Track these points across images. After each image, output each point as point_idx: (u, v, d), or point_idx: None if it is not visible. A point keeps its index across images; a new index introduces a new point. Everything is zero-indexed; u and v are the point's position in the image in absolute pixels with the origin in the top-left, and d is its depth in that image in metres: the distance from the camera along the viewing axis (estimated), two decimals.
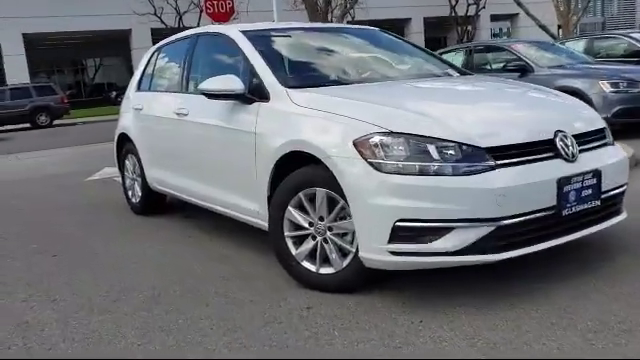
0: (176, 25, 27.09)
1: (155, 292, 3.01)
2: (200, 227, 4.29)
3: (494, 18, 38.25)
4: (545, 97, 3.17)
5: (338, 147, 2.57)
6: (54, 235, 4.37)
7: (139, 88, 4.86)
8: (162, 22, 26.85)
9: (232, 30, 3.65)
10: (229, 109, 3.33)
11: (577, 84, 6.92)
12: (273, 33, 3.73)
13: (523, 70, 7.62)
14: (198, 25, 27.18)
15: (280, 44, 3.61)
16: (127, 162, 4.97)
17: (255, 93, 3.18)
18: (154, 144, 4.38)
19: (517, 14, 37.19)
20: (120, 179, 5.36)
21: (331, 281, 2.76)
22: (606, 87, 6.78)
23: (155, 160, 4.41)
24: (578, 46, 9.64)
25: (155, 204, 4.80)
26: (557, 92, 3.31)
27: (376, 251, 2.47)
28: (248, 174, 3.18)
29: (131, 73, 36.45)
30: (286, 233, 2.88)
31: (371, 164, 2.45)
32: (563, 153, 2.58)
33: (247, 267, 3.28)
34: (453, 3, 30.81)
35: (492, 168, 2.40)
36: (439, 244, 2.39)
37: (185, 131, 3.85)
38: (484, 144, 2.44)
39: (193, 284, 3.09)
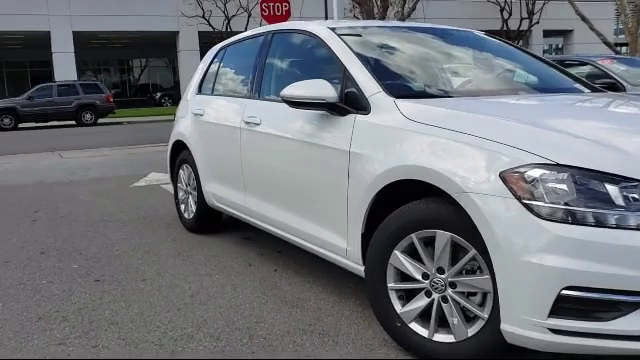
0: (224, 29, 26.94)
1: (219, 344, 2.43)
2: (262, 254, 3.71)
3: (547, 34, 37.04)
4: None
5: (477, 179, 1.94)
6: (97, 253, 3.86)
7: (199, 91, 4.33)
8: (210, 25, 26.72)
9: (318, 27, 3.07)
10: (315, 121, 2.74)
11: None
12: (367, 31, 3.13)
13: (613, 88, 6.82)
14: (246, 29, 27.03)
15: (377, 44, 3.00)
16: (181, 172, 4.44)
17: (350, 103, 2.58)
18: (215, 155, 3.84)
19: (571, 31, 35.99)
20: (172, 189, 4.85)
21: (449, 352, 2.12)
22: None
23: (215, 173, 3.86)
24: None
25: (210, 222, 4.25)
26: None
27: (528, 325, 1.82)
28: (336, 202, 2.58)
29: (176, 75, 36.73)
30: (390, 284, 2.26)
31: (527, 206, 1.81)
32: None
33: (329, 317, 2.67)
34: (505, 17, 29.83)
35: None
36: (622, 324, 1.73)
37: (255, 143, 3.28)
38: None
39: (264, 335, 2.49)
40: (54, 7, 27.91)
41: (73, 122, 20.46)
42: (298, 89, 2.65)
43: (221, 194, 3.80)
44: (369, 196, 2.35)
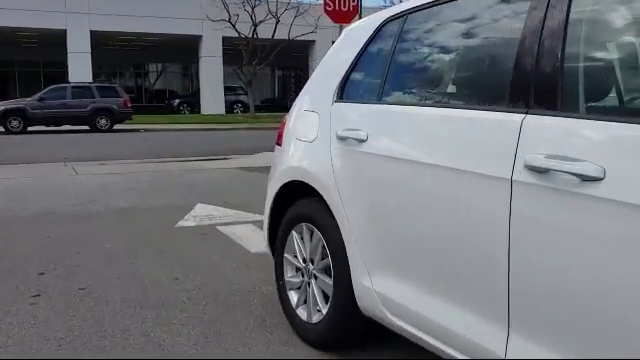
0: (250, 35, 25.14)
1: None
2: None
3: None
4: None
5: None
6: None
7: (342, 95, 2.41)
8: (236, 30, 24.96)
9: None
10: None
11: None
12: None
13: None
14: (273, 37, 25.22)
15: None
16: (295, 236, 2.52)
17: None
18: (405, 224, 1.91)
19: None
20: (237, 235, 2.96)
21: None
22: None
23: (400, 259, 1.94)
24: None
25: (356, 337, 2.33)
26: None
27: None
28: None
29: (194, 82, 35.23)
30: None
31: None
32: None
33: None
34: None
35: None
36: None
37: (574, 225, 1.36)
38: None
39: None
40: (72, 4, 26.30)
41: (87, 127, 18.61)
42: None
43: (413, 306, 1.87)
44: None
